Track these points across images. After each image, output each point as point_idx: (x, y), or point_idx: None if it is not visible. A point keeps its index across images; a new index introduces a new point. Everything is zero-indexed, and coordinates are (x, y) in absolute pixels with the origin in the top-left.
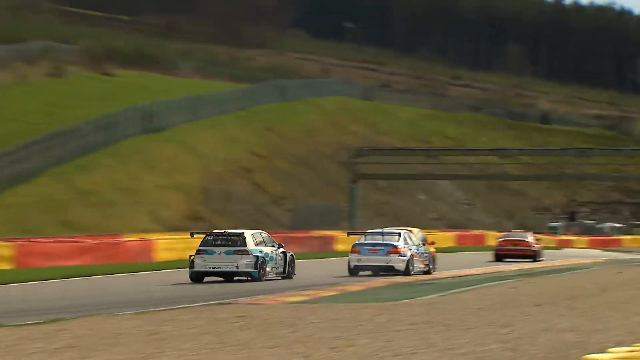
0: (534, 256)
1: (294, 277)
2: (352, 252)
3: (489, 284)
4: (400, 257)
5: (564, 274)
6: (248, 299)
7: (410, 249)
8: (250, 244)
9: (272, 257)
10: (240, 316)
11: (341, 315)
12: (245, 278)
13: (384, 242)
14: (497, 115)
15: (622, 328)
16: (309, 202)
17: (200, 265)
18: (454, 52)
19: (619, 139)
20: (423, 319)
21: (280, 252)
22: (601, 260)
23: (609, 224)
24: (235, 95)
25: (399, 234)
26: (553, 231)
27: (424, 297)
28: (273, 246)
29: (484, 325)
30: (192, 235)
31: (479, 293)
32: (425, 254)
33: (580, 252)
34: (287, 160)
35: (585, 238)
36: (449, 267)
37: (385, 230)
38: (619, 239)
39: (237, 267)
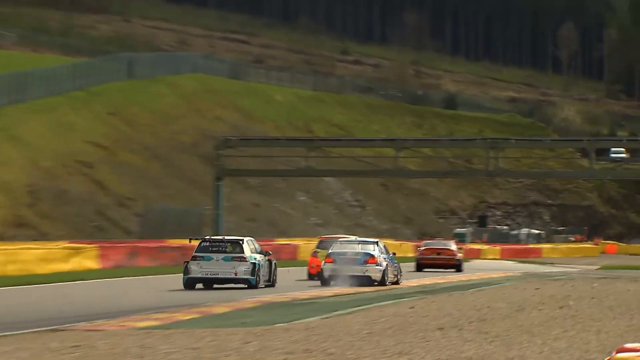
0: (457, 266)
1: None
2: (326, 261)
3: (382, 303)
4: (377, 267)
5: (471, 290)
6: (87, 325)
7: (385, 259)
8: (247, 251)
9: (262, 264)
10: (75, 346)
11: (202, 344)
12: (243, 285)
13: (361, 250)
14: (393, 98)
15: (540, 356)
16: (163, 204)
17: (197, 271)
18: (342, 21)
19: (538, 127)
20: (302, 346)
21: (267, 260)
22: (516, 274)
23: (525, 230)
24: (70, 72)
25: (376, 243)
26: (459, 239)
27: (304, 320)
28: (261, 253)
29: (376, 354)
30: (190, 240)
31: (370, 315)
32: (395, 264)
33: (491, 265)
34: (135, 153)
35: (497, 247)
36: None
37: (349, 238)
38: (537, 248)
39: (236, 274)
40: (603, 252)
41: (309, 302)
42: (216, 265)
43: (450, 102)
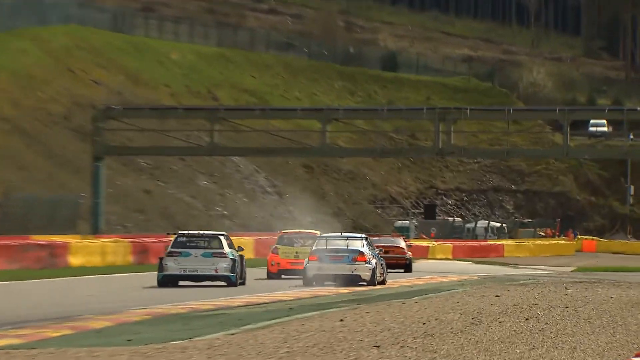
0: (407, 266)
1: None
2: (309, 259)
3: (304, 315)
4: (366, 266)
5: (415, 299)
6: None
7: (373, 256)
8: (226, 247)
9: (237, 261)
10: None
11: None
12: (222, 283)
13: (348, 247)
14: (319, 57)
15: None
16: (26, 192)
17: (175, 268)
18: None
19: (499, 93)
20: None
21: (239, 256)
22: (472, 278)
23: (483, 223)
24: None
25: (364, 238)
26: (401, 234)
27: (206, 337)
28: (234, 249)
29: None
30: (168, 235)
31: (289, 329)
32: (382, 262)
33: (441, 266)
34: None
35: (448, 244)
36: (254, 290)
37: (343, 233)
38: (498, 245)
39: (216, 271)
40: (579, 250)
41: (215, 313)
42: (195, 262)
43: (390, 63)
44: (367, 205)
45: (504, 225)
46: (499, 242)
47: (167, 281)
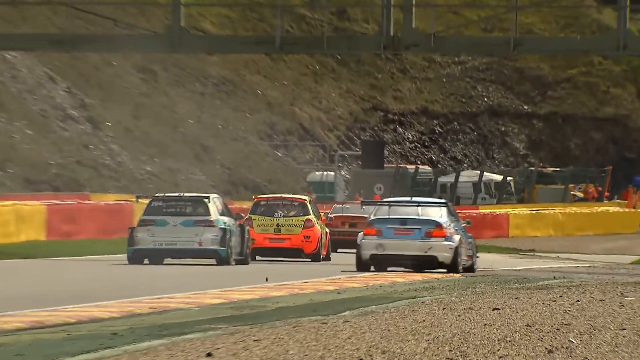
0: None
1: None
2: (365, 232)
3: (137, 347)
4: (446, 243)
5: (347, 314)
6: None
7: (457, 230)
8: (214, 213)
9: (233, 231)
10: None
11: None
12: (209, 259)
13: (420, 217)
14: None
15: None
16: None
17: (148, 241)
18: None
19: None
20: None
21: (238, 226)
22: (453, 276)
23: (470, 175)
24: None
25: (445, 205)
26: (320, 194)
27: None
28: (231, 217)
29: None
30: (137, 199)
31: None
32: (469, 239)
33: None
34: None
35: None
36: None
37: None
38: (497, 216)
39: (200, 244)
40: None
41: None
42: (173, 232)
43: None
44: (256, 142)
45: (509, 179)
46: (500, 210)
47: (139, 256)
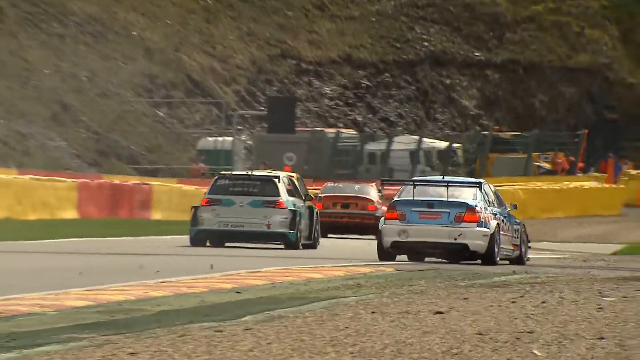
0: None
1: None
2: (387, 216)
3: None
4: (479, 230)
5: (249, 319)
6: None
7: (494, 214)
8: (284, 193)
9: (302, 213)
10: None
11: None
12: (277, 243)
13: (449, 199)
14: None
15: None
16: None
17: (213, 221)
18: None
19: None
20: None
21: (307, 207)
22: (385, 270)
23: (407, 142)
24: None
25: (478, 185)
26: (213, 167)
27: None
28: (300, 197)
29: None
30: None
31: None
32: (515, 225)
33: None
34: None
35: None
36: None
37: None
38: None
39: (268, 226)
40: (633, 204)
41: None
42: (240, 213)
43: None
44: (132, 99)
45: (455, 146)
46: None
47: (203, 238)
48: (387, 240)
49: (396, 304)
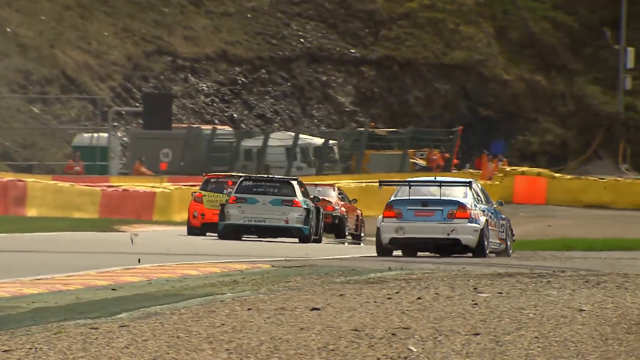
0: (337, 227)
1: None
2: (384, 215)
3: None
4: (470, 225)
5: (125, 316)
6: None
7: (483, 211)
8: (299, 194)
9: (312, 211)
10: None
11: None
12: (292, 237)
13: (442, 197)
14: None
15: None
16: None
17: (238, 216)
18: None
19: None
20: None
21: (314, 208)
22: (262, 266)
23: (283, 138)
24: None
25: (468, 184)
26: (80, 161)
27: None
28: (310, 199)
29: None
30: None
31: None
32: (502, 220)
33: (179, 241)
34: None
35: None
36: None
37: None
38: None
39: (287, 222)
40: (508, 200)
41: None
42: (262, 210)
43: None
44: (5, 95)
45: (331, 143)
46: (322, 182)
47: (229, 232)
48: (386, 236)
49: (272, 300)
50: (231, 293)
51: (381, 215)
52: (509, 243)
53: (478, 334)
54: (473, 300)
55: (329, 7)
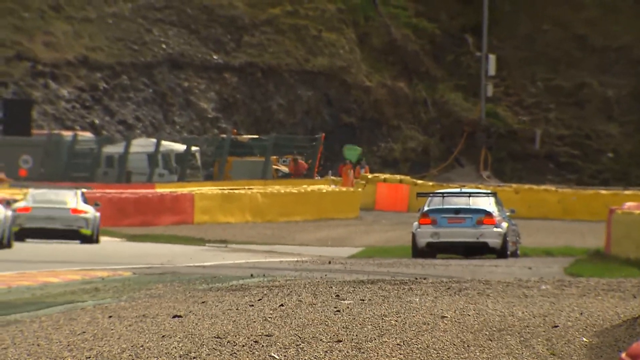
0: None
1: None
2: (421, 222)
3: None
4: (496, 230)
5: None
6: None
7: (504, 218)
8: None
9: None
10: None
11: None
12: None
13: (471, 206)
14: None
15: None
16: None
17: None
18: None
19: None
20: None
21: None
22: (123, 274)
23: (145, 145)
24: None
25: (493, 195)
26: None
27: None
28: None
29: None
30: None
31: None
32: (513, 226)
33: (49, 248)
34: None
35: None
36: None
37: (466, 189)
38: (180, 196)
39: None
40: (370, 207)
41: None
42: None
43: None
44: None
45: (194, 149)
46: (183, 189)
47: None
48: (422, 241)
49: (134, 307)
50: (92, 300)
51: (416, 222)
52: (517, 245)
53: (340, 341)
54: (335, 307)
55: (191, 13)
